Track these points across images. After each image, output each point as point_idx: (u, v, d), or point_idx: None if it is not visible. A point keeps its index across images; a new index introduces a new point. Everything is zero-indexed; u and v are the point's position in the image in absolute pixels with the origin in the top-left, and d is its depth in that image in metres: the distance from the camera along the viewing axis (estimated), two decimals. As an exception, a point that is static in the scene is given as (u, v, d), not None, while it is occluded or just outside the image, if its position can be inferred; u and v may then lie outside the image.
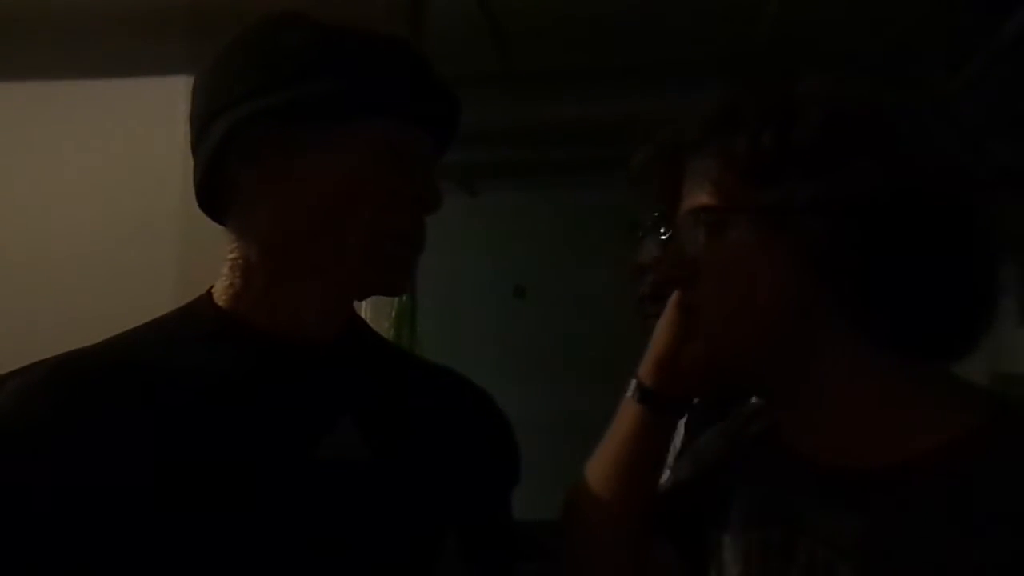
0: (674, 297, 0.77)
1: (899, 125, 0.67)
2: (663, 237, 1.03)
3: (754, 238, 0.67)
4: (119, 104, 2.25)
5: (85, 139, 2.26)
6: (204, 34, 2.14)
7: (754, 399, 0.82)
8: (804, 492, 0.69)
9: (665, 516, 0.79)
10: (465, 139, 0.80)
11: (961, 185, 0.66)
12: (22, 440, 0.65)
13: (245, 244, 0.74)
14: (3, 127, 2.28)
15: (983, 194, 0.67)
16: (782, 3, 2.32)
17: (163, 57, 2.21)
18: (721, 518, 0.74)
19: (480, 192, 3.87)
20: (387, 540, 0.71)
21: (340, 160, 0.71)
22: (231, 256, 0.75)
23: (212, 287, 0.76)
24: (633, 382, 0.79)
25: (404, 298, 1.97)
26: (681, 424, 1.40)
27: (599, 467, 0.80)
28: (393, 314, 2.15)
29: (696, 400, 0.83)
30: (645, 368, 0.79)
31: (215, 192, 0.75)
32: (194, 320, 0.75)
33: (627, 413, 0.79)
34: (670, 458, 0.90)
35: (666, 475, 0.86)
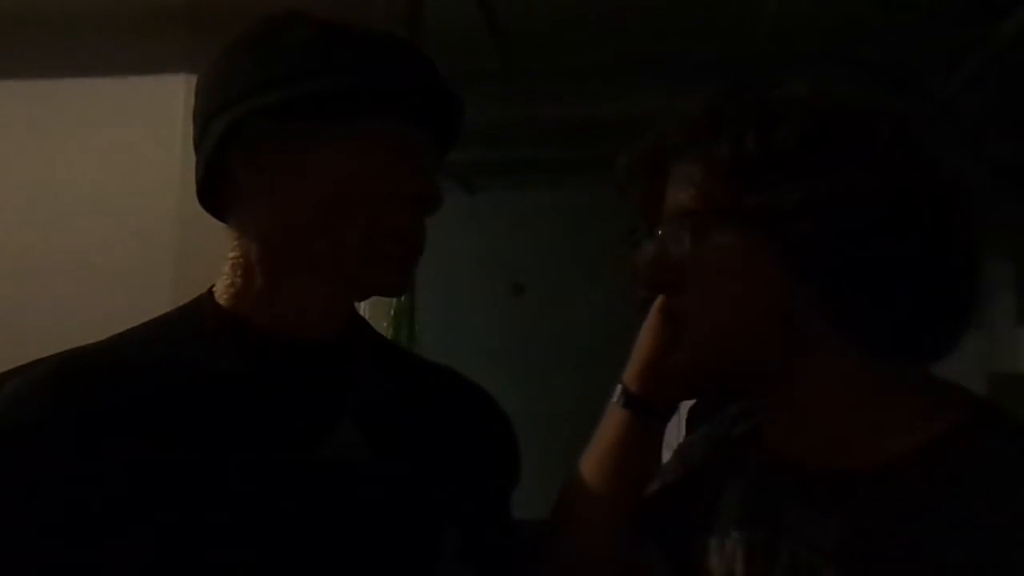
0: (658, 302, 0.77)
1: (883, 129, 0.67)
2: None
3: (738, 242, 0.67)
4: (118, 102, 2.25)
5: (83, 137, 2.26)
6: (203, 33, 2.14)
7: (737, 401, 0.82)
8: (787, 494, 0.69)
9: (652, 519, 0.79)
10: (463, 137, 0.80)
11: (945, 189, 0.66)
12: (23, 439, 0.64)
13: (245, 242, 0.74)
14: (0, 125, 2.28)
15: (967, 197, 0.67)
16: (781, 3, 2.32)
17: (162, 56, 2.21)
18: (707, 521, 0.74)
19: (479, 191, 3.87)
20: (387, 539, 0.71)
21: (340, 159, 0.71)
22: (232, 255, 0.75)
23: (213, 286, 0.76)
24: (618, 387, 0.79)
25: (402, 297, 1.97)
26: (681, 422, 1.40)
27: (586, 471, 0.80)
28: (392, 312, 2.16)
29: (694, 402, 0.83)
30: (630, 373, 0.79)
31: (216, 190, 0.75)
32: (195, 319, 0.75)
33: (613, 418, 0.79)
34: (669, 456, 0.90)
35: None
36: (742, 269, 0.68)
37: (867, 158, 0.65)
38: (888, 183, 0.64)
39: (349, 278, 0.73)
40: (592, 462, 0.79)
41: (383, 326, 2.03)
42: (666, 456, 0.85)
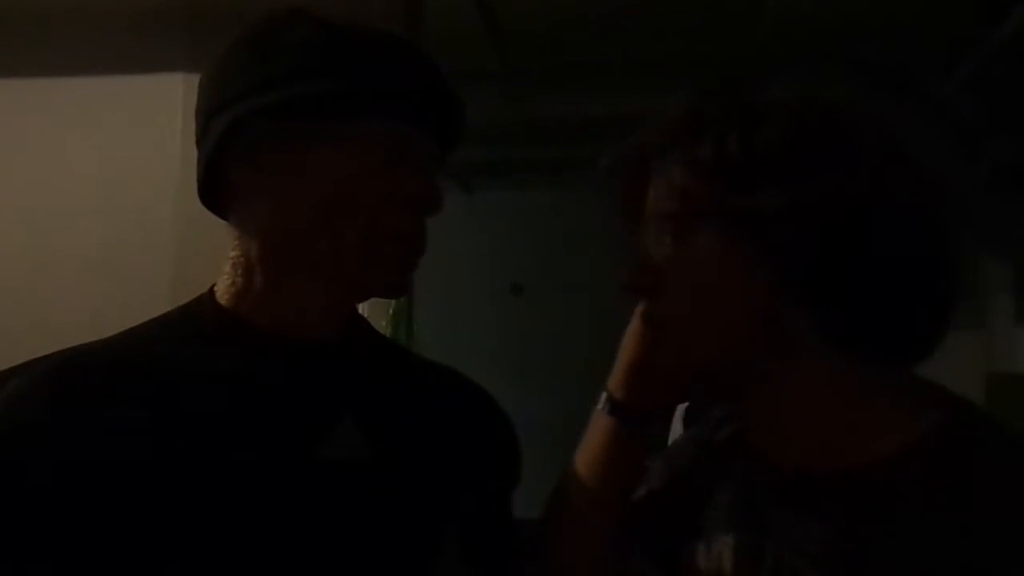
0: (640, 305, 0.76)
1: (865, 132, 0.67)
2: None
3: (719, 244, 0.67)
4: (116, 101, 2.25)
5: (82, 136, 2.25)
6: (202, 32, 2.14)
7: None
8: (771, 498, 0.69)
9: (640, 524, 0.79)
10: (462, 136, 0.80)
11: (927, 191, 0.67)
12: (23, 438, 0.64)
13: (246, 241, 0.74)
14: (0, 124, 2.27)
15: (948, 199, 0.67)
16: (780, 3, 2.32)
17: (161, 54, 2.21)
18: (693, 525, 0.74)
19: (477, 190, 3.87)
20: (388, 540, 0.71)
21: (339, 160, 0.71)
22: (232, 254, 0.75)
23: (214, 285, 0.76)
24: (603, 394, 0.79)
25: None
26: (679, 420, 1.40)
27: (574, 477, 0.80)
28: (390, 312, 2.16)
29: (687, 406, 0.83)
30: (614, 380, 0.78)
31: (216, 188, 0.75)
32: (196, 319, 0.75)
33: (598, 425, 0.79)
34: None
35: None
36: (723, 272, 0.67)
37: (849, 161, 0.64)
38: (870, 186, 0.64)
39: (349, 279, 0.73)
40: (579, 469, 0.79)
41: (381, 325, 2.03)
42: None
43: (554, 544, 0.80)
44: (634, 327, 0.77)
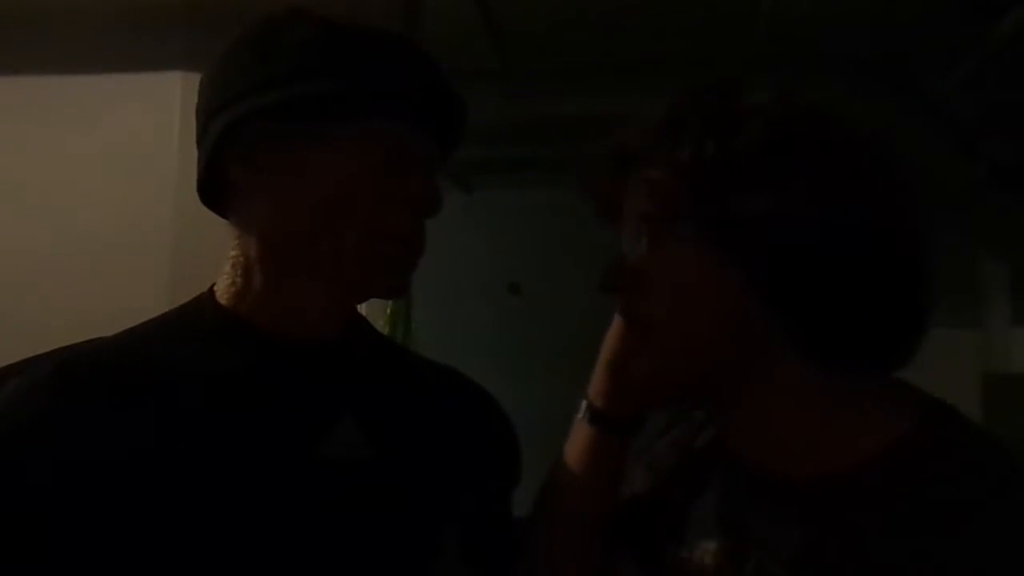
0: (619, 309, 0.76)
1: (842, 139, 0.67)
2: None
3: (695, 247, 0.67)
4: (115, 99, 2.24)
5: (80, 134, 2.25)
6: (201, 30, 2.14)
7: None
8: (750, 503, 0.69)
9: (624, 528, 0.79)
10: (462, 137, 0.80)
11: (903, 198, 0.67)
12: (24, 438, 0.64)
13: (245, 241, 0.74)
14: (-2, 122, 2.27)
15: (923, 211, 0.67)
16: (778, 2, 2.32)
17: (159, 52, 2.20)
18: (676, 530, 0.74)
19: (475, 189, 3.87)
20: (387, 539, 0.71)
21: (338, 160, 0.71)
22: (232, 253, 0.75)
23: (214, 285, 0.76)
24: (583, 403, 0.79)
25: (399, 296, 1.96)
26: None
27: (556, 484, 0.79)
28: (388, 311, 2.16)
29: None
30: (594, 388, 0.78)
31: (216, 188, 0.75)
32: (196, 318, 0.75)
33: (579, 434, 0.78)
34: None
35: None
36: (697, 274, 0.67)
37: (825, 168, 0.64)
38: (844, 192, 0.64)
39: (348, 279, 0.73)
40: (561, 474, 0.79)
41: (379, 325, 2.03)
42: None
43: (539, 546, 0.80)
44: (612, 334, 0.77)
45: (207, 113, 0.73)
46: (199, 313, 0.75)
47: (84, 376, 0.68)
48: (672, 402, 0.79)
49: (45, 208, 2.23)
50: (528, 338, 3.87)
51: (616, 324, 0.77)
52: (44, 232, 2.21)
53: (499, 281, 4.06)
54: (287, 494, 0.68)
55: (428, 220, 0.75)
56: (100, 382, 0.68)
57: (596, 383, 0.78)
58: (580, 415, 0.78)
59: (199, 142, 0.74)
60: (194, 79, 0.76)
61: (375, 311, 2.00)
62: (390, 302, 2.08)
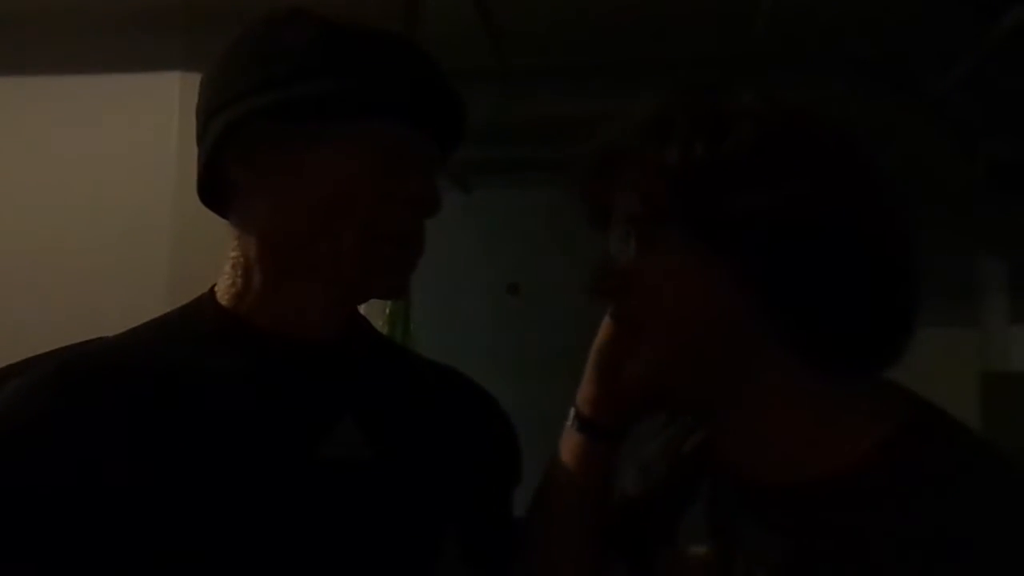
0: (606, 320, 0.76)
1: (831, 141, 0.66)
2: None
3: (683, 250, 0.67)
4: (113, 99, 2.24)
5: (78, 134, 2.25)
6: (199, 30, 2.14)
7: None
8: (739, 510, 0.69)
9: (615, 532, 0.79)
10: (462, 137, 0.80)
11: (890, 200, 0.66)
12: (24, 438, 0.64)
13: (245, 242, 0.74)
14: (-3, 122, 2.27)
15: (913, 210, 0.67)
16: (777, 2, 2.32)
17: (158, 53, 2.20)
18: (667, 536, 0.73)
19: (474, 189, 3.87)
20: (388, 539, 0.71)
21: (338, 160, 0.71)
22: (232, 254, 0.75)
23: (214, 285, 0.76)
24: (572, 411, 0.78)
25: (398, 295, 1.96)
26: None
27: (547, 491, 0.79)
28: (387, 311, 2.16)
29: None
30: (582, 396, 0.77)
31: (216, 188, 0.75)
32: (196, 319, 0.75)
33: (569, 442, 0.78)
34: None
35: None
36: (686, 277, 0.67)
37: (813, 170, 0.64)
38: (832, 195, 0.64)
39: (348, 280, 0.73)
40: (554, 479, 0.79)
41: (378, 325, 2.03)
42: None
43: (536, 547, 0.80)
44: (599, 341, 0.76)
45: (207, 113, 0.73)
46: (200, 313, 0.75)
47: (85, 376, 0.68)
48: (661, 408, 0.79)
49: (44, 208, 2.23)
50: (527, 338, 3.87)
51: (603, 332, 0.76)
52: (43, 232, 2.21)
53: (498, 281, 4.06)
54: (287, 494, 0.68)
55: (427, 220, 0.75)
56: (101, 382, 0.68)
57: (584, 390, 0.77)
58: (569, 422, 0.78)
59: (199, 141, 0.74)
60: (193, 79, 0.76)
61: (374, 311, 2.00)
62: (389, 302, 2.08)
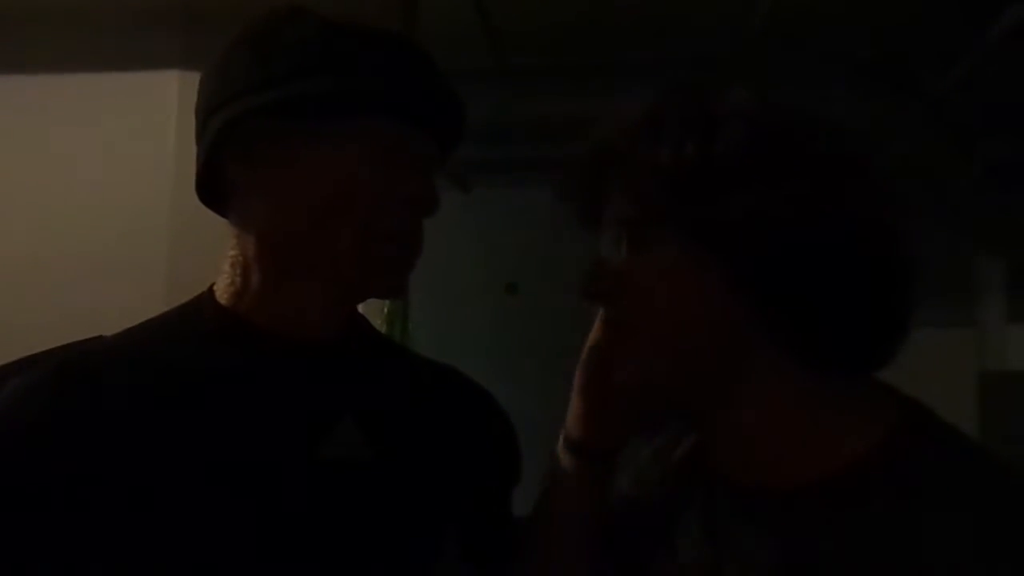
0: (600, 315, 0.75)
1: (823, 142, 0.66)
2: None
3: (676, 252, 0.66)
4: (111, 98, 2.24)
5: (76, 133, 2.25)
6: (198, 29, 2.13)
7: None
8: (730, 514, 0.68)
9: (607, 540, 0.78)
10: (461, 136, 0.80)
11: (884, 201, 0.66)
12: (24, 438, 0.64)
13: (244, 240, 0.73)
14: (-6, 121, 2.27)
15: (903, 212, 0.66)
16: (777, 2, 2.33)
17: (157, 51, 2.20)
18: (659, 541, 0.73)
19: (473, 188, 3.87)
20: (387, 539, 0.71)
21: (335, 159, 0.70)
22: (231, 253, 0.74)
23: (214, 284, 0.76)
24: (562, 432, 0.78)
25: (396, 295, 1.96)
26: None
27: (542, 509, 0.79)
28: (385, 311, 2.15)
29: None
30: (571, 418, 0.77)
31: (215, 186, 0.74)
32: (196, 318, 0.75)
33: (561, 463, 0.77)
34: None
35: None
36: (679, 279, 0.66)
37: (806, 170, 0.64)
38: (825, 195, 0.63)
39: (346, 279, 0.73)
40: (546, 502, 0.78)
41: (376, 324, 2.03)
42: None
43: (535, 551, 0.79)
44: (583, 364, 0.76)
45: (206, 111, 0.73)
46: (199, 313, 0.75)
47: (84, 376, 0.68)
48: (651, 421, 0.79)
49: (41, 207, 2.22)
50: (526, 338, 3.87)
51: (587, 351, 0.76)
52: (40, 231, 2.21)
53: (496, 281, 4.06)
54: (287, 494, 0.68)
55: (425, 219, 0.75)
56: (100, 382, 0.68)
57: (572, 412, 0.77)
58: (560, 444, 0.77)
59: (198, 140, 0.74)
60: (191, 78, 0.76)
61: (372, 311, 2.00)
62: (387, 302, 2.08)
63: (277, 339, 0.72)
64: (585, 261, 0.73)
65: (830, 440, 0.66)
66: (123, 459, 0.65)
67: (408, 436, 0.75)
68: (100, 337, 0.74)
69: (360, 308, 0.82)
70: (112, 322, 0.76)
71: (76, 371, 0.68)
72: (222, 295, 0.74)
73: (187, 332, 0.74)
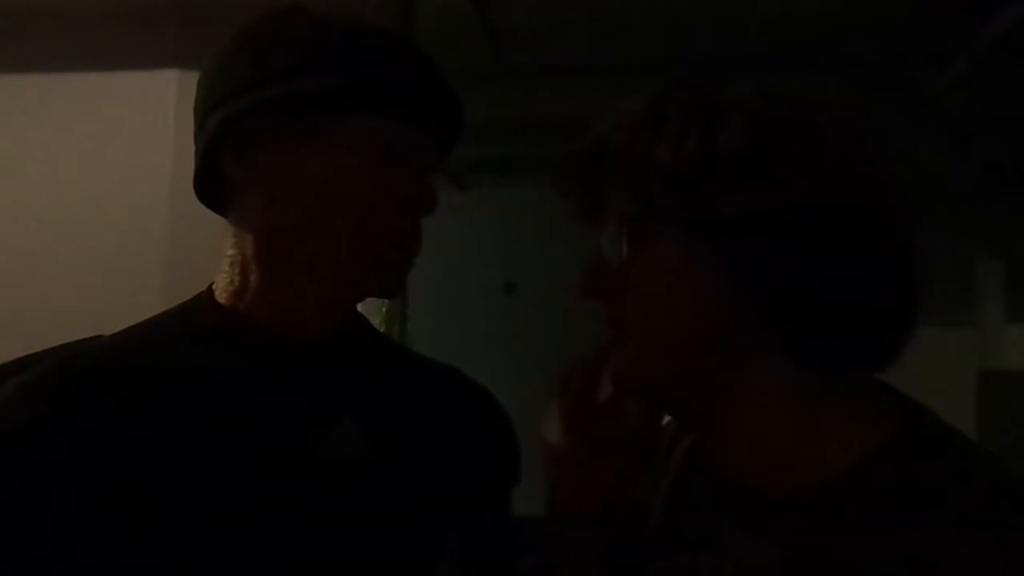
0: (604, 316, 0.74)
1: (827, 138, 0.64)
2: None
3: (676, 249, 0.65)
4: (109, 97, 2.24)
5: (74, 132, 2.25)
6: (196, 28, 2.13)
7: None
8: (727, 516, 0.68)
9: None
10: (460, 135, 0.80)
11: (887, 202, 0.65)
12: (23, 438, 0.64)
13: (242, 239, 0.73)
14: (-8, 120, 2.26)
15: (908, 208, 0.66)
16: (775, 2, 2.33)
17: (155, 50, 2.20)
18: (655, 544, 0.73)
19: (471, 187, 3.87)
20: (387, 539, 0.71)
21: (332, 158, 0.70)
22: (230, 252, 0.74)
23: (213, 283, 0.76)
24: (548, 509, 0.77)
25: (395, 294, 1.96)
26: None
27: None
28: (384, 310, 2.15)
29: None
30: (557, 489, 0.76)
31: (213, 185, 0.74)
32: (195, 317, 0.75)
33: (555, 542, 0.76)
34: None
35: None
36: (678, 277, 0.66)
37: (809, 169, 0.62)
38: (828, 195, 0.62)
39: (343, 279, 0.72)
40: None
41: (375, 324, 2.03)
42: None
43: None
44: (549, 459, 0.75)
45: (204, 110, 0.73)
46: (198, 311, 0.75)
47: (83, 375, 0.68)
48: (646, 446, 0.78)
49: (39, 205, 2.22)
50: (524, 337, 3.87)
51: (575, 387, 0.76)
52: (38, 229, 2.21)
53: (495, 280, 4.07)
54: (286, 493, 0.68)
55: (423, 218, 0.75)
56: (99, 381, 0.68)
57: (560, 478, 0.76)
58: (549, 520, 0.76)
59: (196, 139, 0.74)
60: (189, 77, 0.76)
61: (371, 310, 1.99)
62: (386, 301, 2.08)
63: (276, 338, 0.72)
64: (583, 260, 0.72)
65: (831, 441, 0.65)
66: (122, 458, 0.64)
67: (408, 435, 0.75)
68: (99, 337, 0.74)
69: (359, 308, 0.81)
70: (111, 321, 0.76)
71: (75, 371, 0.68)
72: (221, 294, 0.74)
73: (186, 331, 0.74)
